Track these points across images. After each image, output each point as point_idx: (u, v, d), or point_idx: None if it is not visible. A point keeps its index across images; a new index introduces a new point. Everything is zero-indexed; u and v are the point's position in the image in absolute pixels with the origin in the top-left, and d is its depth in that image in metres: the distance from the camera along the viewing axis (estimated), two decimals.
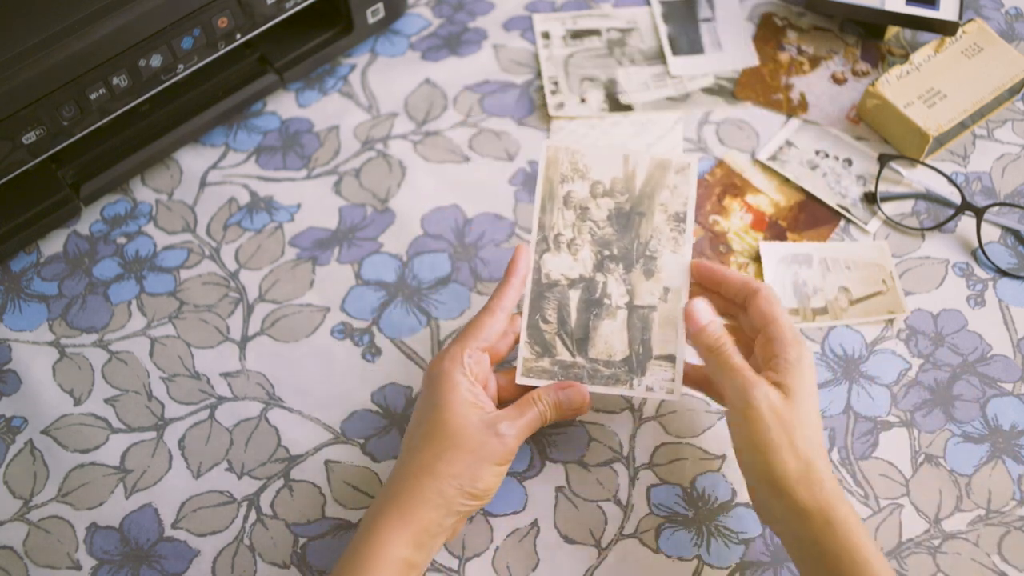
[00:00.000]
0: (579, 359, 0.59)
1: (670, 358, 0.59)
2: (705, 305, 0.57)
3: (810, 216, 0.71)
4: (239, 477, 0.63)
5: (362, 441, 0.64)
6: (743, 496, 0.61)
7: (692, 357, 0.60)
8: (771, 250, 0.69)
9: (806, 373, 0.54)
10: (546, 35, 0.81)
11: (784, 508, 0.52)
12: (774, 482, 0.52)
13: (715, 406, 0.64)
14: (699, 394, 0.64)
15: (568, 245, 0.60)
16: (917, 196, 0.72)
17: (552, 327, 0.59)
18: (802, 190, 0.72)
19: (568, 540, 0.60)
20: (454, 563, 0.59)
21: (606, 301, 0.59)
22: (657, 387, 0.59)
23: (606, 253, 0.60)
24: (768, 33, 0.80)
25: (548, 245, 0.60)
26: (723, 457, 0.62)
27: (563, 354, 0.59)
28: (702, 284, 0.60)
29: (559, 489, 0.62)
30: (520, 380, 0.58)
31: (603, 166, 0.61)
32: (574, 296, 0.59)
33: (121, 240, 0.72)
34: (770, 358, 0.55)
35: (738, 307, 0.59)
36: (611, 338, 0.59)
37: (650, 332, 0.59)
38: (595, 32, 0.81)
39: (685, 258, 0.60)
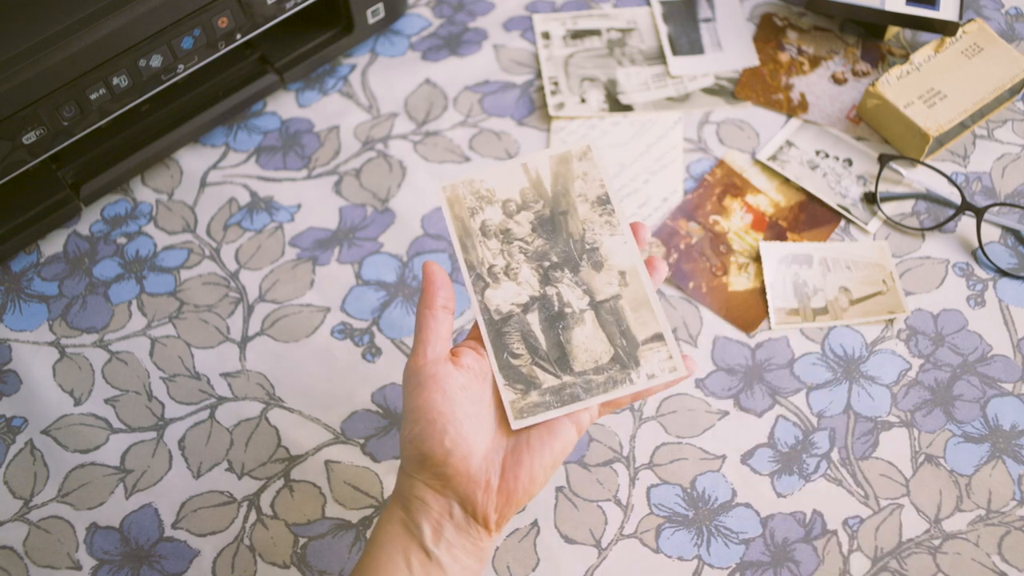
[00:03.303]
0: (567, 378, 0.55)
1: (658, 337, 0.56)
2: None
3: (810, 216, 0.71)
4: (239, 477, 0.63)
5: (362, 441, 0.64)
6: (743, 496, 0.61)
7: (679, 330, 0.60)
8: (771, 250, 0.69)
9: None
10: (546, 35, 0.81)
11: None
12: None
13: (715, 406, 0.64)
14: (699, 393, 0.64)
15: (506, 272, 0.56)
16: (917, 196, 0.72)
17: (525, 359, 0.55)
18: (802, 190, 0.72)
19: (568, 540, 0.60)
20: None
21: (567, 311, 0.56)
22: (658, 371, 0.55)
23: (546, 264, 0.57)
24: (768, 33, 0.80)
25: (486, 281, 0.56)
26: (723, 457, 0.62)
27: (548, 380, 0.55)
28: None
29: (559, 489, 0.62)
30: (516, 425, 0.54)
31: (506, 183, 0.58)
32: (533, 320, 0.56)
33: (121, 240, 0.72)
34: None
35: None
36: (589, 344, 0.56)
37: (626, 321, 0.56)
38: (595, 32, 0.81)
39: (627, 235, 0.57)
